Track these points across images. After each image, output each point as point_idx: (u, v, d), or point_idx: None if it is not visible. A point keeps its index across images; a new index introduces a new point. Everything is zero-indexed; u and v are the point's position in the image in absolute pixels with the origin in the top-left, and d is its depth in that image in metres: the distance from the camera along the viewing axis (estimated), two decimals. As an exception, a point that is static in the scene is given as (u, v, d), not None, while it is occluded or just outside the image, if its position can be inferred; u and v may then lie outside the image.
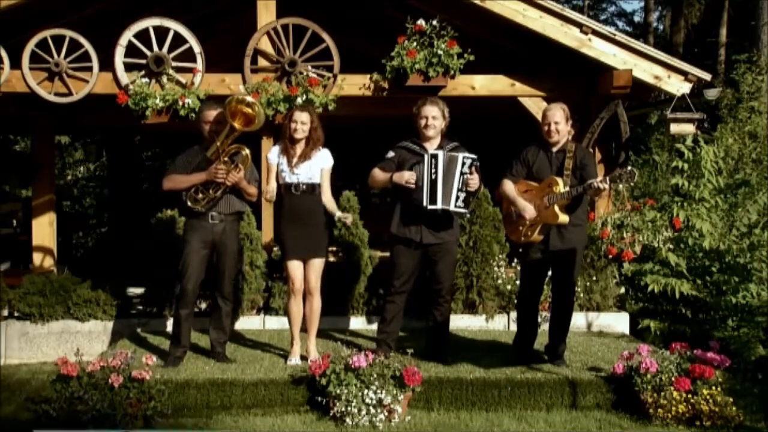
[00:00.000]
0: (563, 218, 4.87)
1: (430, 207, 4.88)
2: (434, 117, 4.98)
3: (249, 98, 5.00)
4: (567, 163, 4.94)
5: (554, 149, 5.03)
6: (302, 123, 5.09)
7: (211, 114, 5.12)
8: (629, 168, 4.63)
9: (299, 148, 5.12)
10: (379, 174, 5.10)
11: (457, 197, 4.89)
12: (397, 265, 5.08)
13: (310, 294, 5.16)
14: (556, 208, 4.85)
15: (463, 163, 4.88)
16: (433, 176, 4.87)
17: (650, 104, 8.03)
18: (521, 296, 5.37)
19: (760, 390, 5.15)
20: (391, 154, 5.11)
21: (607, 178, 4.72)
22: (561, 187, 4.86)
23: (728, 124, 9.60)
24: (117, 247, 9.44)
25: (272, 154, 5.20)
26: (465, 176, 4.88)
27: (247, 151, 5.09)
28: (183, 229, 5.37)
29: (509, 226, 5.25)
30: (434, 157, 4.89)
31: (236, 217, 5.27)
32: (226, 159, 5.03)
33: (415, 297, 5.28)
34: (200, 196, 5.08)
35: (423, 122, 5.00)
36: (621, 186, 4.86)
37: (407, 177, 4.92)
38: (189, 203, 5.09)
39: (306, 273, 5.14)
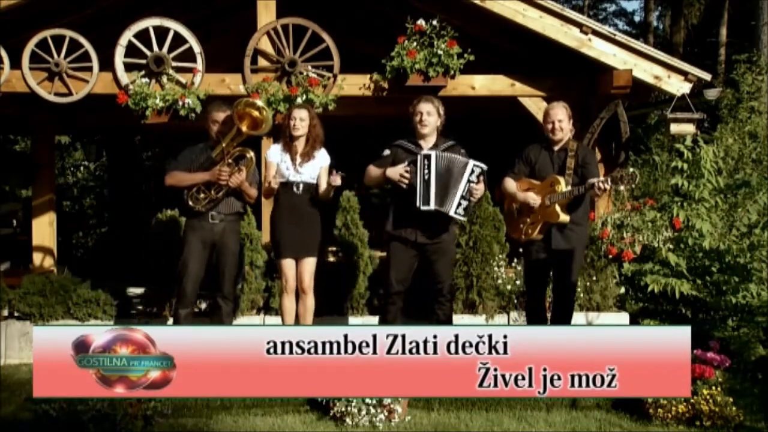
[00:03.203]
0: (564, 217, 4.89)
1: (423, 208, 4.82)
2: (429, 113, 4.94)
3: (258, 102, 5.07)
4: (569, 162, 4.96)
5: (556, 148, 5.05)
6: (300, 119, 5.14)
7: (220, 115, 5.18)
8: (631, 170, 4.64)
9: (300, 146, 5.17)
10: (373, 170, 5.07)
11: (459, 204, 4.80)
12: (394, 263, 5.01)
13: (303, 293, 5.18)
14: (557, 207, 4.87)
15: (472, 171, 4.80)
16: (426, 176, 4.79)
17: (650, 104, 8.02)
18: (529, 298, 5.37)
19: (760, 390, 5.14)
20: (387, 152, 5.08)
21: (609, 179, 4.73)
22: (563, 186, 4.88)
23: (728, 124, 9.60)
24: (117, 247, 9.43)
25: (272, 152, 5.25)
26: (471, 184, 4.81)
27: (251, 154, 5.14)
28: (183, 229, 5.38)
29: (510, 224, 5.26)
30: (426, 157, 4.82)
31: (236, 217, 5.31)
32: (230, 161, 5.07)
33: (416, 298, 5.26)
34: (202, 195, 5.12)
35: (418, 118, 4.97)
36: (622, 187, 4.89)
37: (401, 170, 4.87)
38: (190, 202, 5.13)
39: (299, 272, 5.18)
